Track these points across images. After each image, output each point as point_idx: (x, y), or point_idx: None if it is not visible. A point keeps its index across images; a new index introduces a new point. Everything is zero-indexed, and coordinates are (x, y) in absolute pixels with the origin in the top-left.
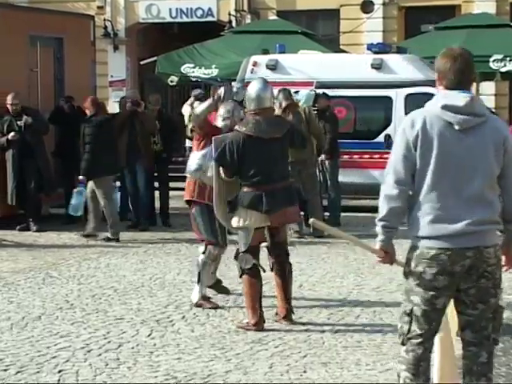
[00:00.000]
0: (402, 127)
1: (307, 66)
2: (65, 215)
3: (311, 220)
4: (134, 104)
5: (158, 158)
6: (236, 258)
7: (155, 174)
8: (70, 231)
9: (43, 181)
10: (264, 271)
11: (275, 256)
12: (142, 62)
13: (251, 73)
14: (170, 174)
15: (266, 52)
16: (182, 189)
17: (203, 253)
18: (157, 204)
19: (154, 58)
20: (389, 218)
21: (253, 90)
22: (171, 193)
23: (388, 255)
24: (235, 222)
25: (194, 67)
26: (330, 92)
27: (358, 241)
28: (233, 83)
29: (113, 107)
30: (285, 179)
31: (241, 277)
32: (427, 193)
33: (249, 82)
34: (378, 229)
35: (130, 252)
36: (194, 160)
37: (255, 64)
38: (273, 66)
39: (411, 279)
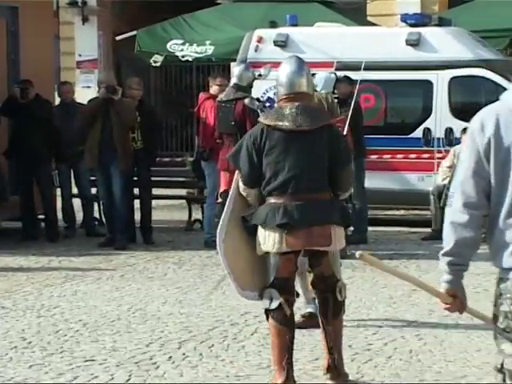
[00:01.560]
0: (470, 131)
1: (325, 42)
2: (21, 230)
3: (358, 253)
4: (109, 90)
5: (138, 158)
6: (261, 294)
7: (134, 178)
8: (27, 250)
9: None
10: (297, 296)
11: (318, 291)
12: (118, 38)
13: (255, 51)
14: (152, 179)
15: (273, 25)
16: (168, 197)
17: None
18: (137, 216)
19: (134, 33)
20: (457, 251)
21: (284, 72)
22: (155, 202)
23: (457, 300)
24: (257, 245)
25: (182, 44)
26: (354, 75)
27: (420, 282)
28: (232, 64)
29: (82, 94)
30: (317, 191)
31: (267, 318)
32: (508, 216)
33: (254, 63)
34: (443, 266)
35: (102, 276)
36: None
37: (260, 40)
38: (282, 43)
39: (499, 322)
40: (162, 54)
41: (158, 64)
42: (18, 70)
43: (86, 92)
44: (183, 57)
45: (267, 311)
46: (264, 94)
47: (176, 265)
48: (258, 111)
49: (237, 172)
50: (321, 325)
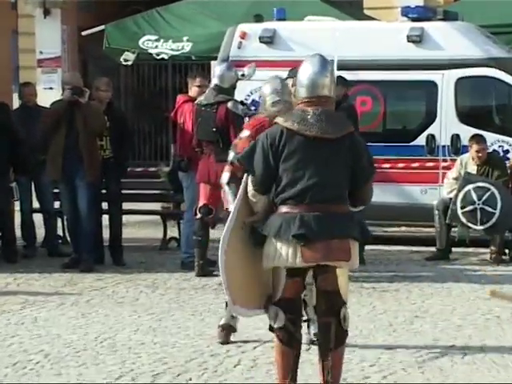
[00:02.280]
0: None
1: (316, 38)
2: None
3: (489, 290)
4: (75, 92)
5: (107, 169)
6: (266, 308)
7: (103, 191)
8: None
9: None
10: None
11: (319, 313)
12: (84, 33)
13: (238, 48)
14: (123, 191)
15: (259, 19)
16: (141, 212)
17: None
18: (105, 233)
19: (102, 27)
20: None
21: (305, 73)
22: (125, 218)
23: None
24: (263, 257)
25: (157, 40)
26: (350, 75)
27: None
28: (213, 63)
29: (43, 97)
30: (337, 202)
31: (271, 330)
32: None
33: (237, 61)
34: None
35: (66, 301)
36: None
37: (244, 36)
38: (268, 39)
39: None
40: (134, 52)
41: (130, 62)
42: None
43: (47, 94)
44: (158, 54)
45: (271, 328)
46: (248, 96)
47: (149, 288)
48: (243, 116)
49: (246, 176)
50: (319, 355)
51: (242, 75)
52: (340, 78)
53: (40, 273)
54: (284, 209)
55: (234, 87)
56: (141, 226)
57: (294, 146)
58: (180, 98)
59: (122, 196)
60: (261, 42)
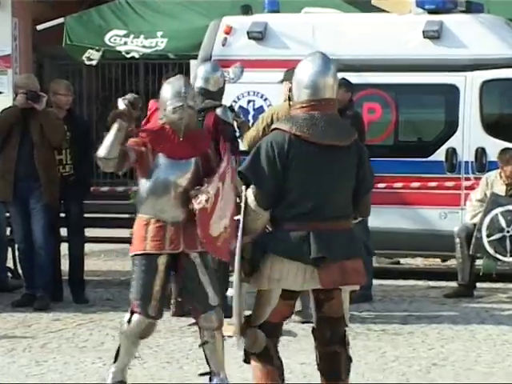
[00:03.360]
0: None
1: (315, 34)
2: None
3: None
4: (30, 97)
5: (67, 188)
6: (242, 333)
7: (62, 215)
8: None
9: None
10: (295, 336)
11: (322, 341)
12: (39, 27)
13: (223, 46)
14: (86, 215)
15: (247, 11)
16: (107, 239)
17: (128, 321)
18: (64, 265)
19: (61, 20)
20: None
21: (306, 73)
22: (88, 246)
23: None
24: (260, 277)
25: (126, 35)
26: (355, 78)
27: None
28: (192, 62)
29: None
30: (345, 218)
31: (245, 361)
32: None
33: (221, 61)
34: None
35: (18, 346)
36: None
37: (229, 31)
38: (259, 35)
39: None
40: (99, 49)
41: (94, 62)
42: None
43: None
44: (127, 52)
45: (247, 352)
46: (235, 102)
47: (116, 331)
48: (232, 124)
49: (245, 190)
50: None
51: (228, 77)
52: (344, 80)
53: None
54: (293, 225)
55: (221, 91)
56: (106, 255)
57: (304, 156)
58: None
59: (85, 220)
60: (249, 37)
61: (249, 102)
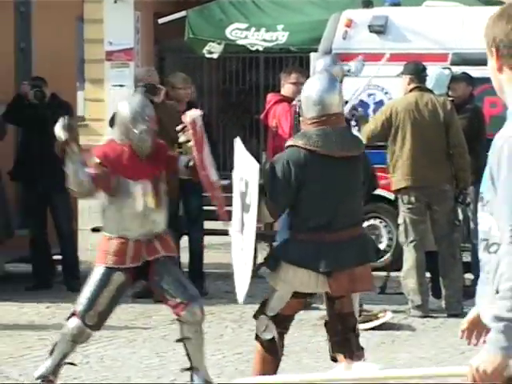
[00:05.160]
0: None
1: (437, 27)
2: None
3: None
4: (149, 90)
5: (186, 181)
6: (256, 316)
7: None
8: None
9: None
10: (413, 330)
11: (333, 333)
12: (161, 21)
13: (343, 39)
14: (205, 208)
15: (368, 5)
16: (226, 232)
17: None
18: (184, 258)
19: (183, 14)
20: None
21: (313, 89)
22: (208, 239)
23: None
24: (276, 278)
25: (247, 29)
26: (476, 71)
27: None
28: (312, 56)
29: (113, 95)
30: (357, 225)
31: (256, 339)
32: None
33: (341, 54)
34: (500, 327)
35: (138, 337)
36: None
37: (350, 24)
38: (380, 28)
39: None
40: (220, 43)
41: (215, 55)
42: (30, 63)
43: (118, 92)
44: (252, 46)
45: (258, 335)
46: (355, 96)
47: (236, 323)
48: (350, 119)
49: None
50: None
51: (348, 71)
52: (464, 75)
53: None
54: (308, 236)
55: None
56: (226, 248)
57: (319, 170)
58: (271, 97)
59: (204, 213)
60: (370, 31)
61: (369, 95)
